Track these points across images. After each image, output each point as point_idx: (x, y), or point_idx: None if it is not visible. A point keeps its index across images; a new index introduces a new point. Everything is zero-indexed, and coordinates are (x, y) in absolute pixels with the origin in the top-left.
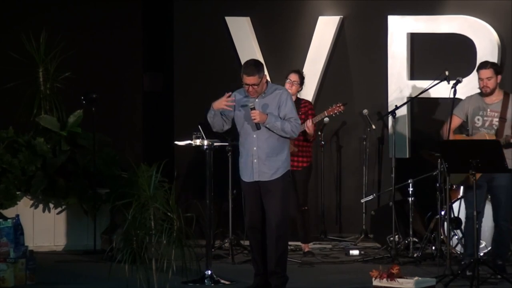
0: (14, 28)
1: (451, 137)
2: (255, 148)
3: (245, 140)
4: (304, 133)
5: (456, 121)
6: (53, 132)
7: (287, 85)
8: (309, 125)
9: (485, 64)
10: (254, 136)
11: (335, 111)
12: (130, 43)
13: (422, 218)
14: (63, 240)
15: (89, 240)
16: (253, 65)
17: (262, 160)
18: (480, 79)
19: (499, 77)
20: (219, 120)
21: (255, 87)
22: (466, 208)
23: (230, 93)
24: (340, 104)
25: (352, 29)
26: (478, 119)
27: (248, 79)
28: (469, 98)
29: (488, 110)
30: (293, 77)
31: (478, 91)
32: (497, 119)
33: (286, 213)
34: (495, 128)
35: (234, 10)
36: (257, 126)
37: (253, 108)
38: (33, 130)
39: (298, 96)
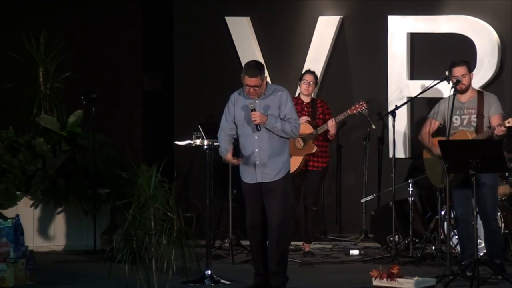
0: (14, 28)
1: (430, 141)
2: (257, 150)
3: (246, 142)
4: (325, 132)
5: (434, 125)
6: (53, 132)
7: (304, 86)
8: (331, 124)
9: (458, 62)
10: (256, 137)
11: (358, 109)
12: (130, 43)
13: (422, 218)
14: (63, 240)
15: (89, 240)
16: (255, 66)
17: (264, 161)
18: (454, 76)
19: (472, 74)
20: (230, 142)
21: (256, 88)
22: (454, 209)
23: (238, 161)
24: (363, 102)
25: (352, 29)
26: (456, 119)
27: (250, 81)
28: (444, 100)
29: (464, 108)
30: (309, 77)
31: None
32: (475, 116)
33: (287, 213)
34: (474, 125)
35: (234, 10)
36: (257, 127)
37: (253, 110)
38: (33, 130)
39: (313, 97)
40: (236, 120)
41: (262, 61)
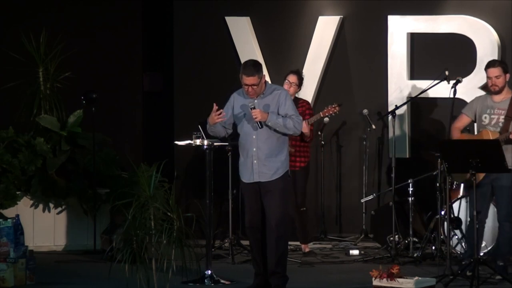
0: (14, 28)
1: (458, 136)
2: (254, 149)
3: (245, 141)
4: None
5: (465, 120)
6: (53, 132)
7: (285, 86)
8: (304, 125)
9: (493, 63)
10: (254, 137)
11: (330, 112)
12: (130, 43)
13: (422, 218)
14: (63, 240)
15: (89, 240)
16: (252, 65)
17: (261, 161)
18: (488, 77)
19: (507, 75)
20: (220, 129)
21: (254, 87)
22: (469, 208)
23: (216, 106)
24: (336, 105)
25: (352, 29)
26: (485, 117)
27: (248, 80)
28: (478, 97)
29: (496, 108)
30: (292, 78)
31: (479, 90)
32: (504, 117)
33: (286, 213)
34: (501, 126)
35: (234, 10)
36: (259, 125)
37: (254, 108)
38: (33, 130)
39: (296, 96)
40: (235, 119)
41: (262, 61)
